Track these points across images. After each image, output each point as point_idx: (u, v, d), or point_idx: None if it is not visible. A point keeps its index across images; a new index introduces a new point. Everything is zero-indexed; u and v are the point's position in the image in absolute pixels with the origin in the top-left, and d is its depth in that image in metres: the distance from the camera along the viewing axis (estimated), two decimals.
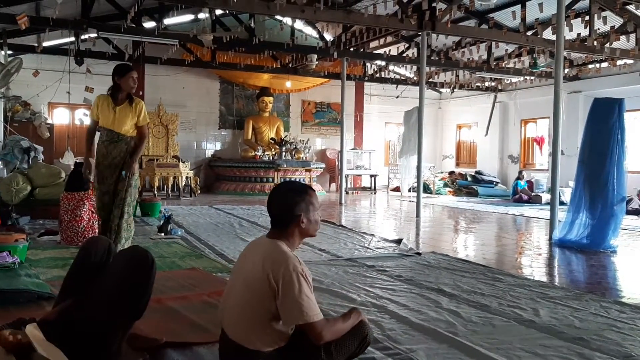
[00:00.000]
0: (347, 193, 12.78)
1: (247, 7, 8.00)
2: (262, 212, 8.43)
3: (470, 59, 11.55)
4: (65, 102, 12.19)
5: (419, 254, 5.32)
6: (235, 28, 11.12)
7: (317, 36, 12.42)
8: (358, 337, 2.19)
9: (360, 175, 15.49)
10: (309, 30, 12.93)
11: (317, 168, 13.52)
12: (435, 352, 2.61)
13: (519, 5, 9.24)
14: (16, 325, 2.33)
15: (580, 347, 2.74)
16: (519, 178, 13.00)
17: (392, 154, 16.09)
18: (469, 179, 14.64)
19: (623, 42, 10.27)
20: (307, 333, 2.03)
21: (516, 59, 11.90)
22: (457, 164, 16.94)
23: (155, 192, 10.85)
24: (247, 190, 12.69)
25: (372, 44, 11.75)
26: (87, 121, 5.01)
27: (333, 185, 15.01)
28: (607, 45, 9.60)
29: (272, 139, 13.78)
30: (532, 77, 12.79)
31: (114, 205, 4.58)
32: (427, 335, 2.86)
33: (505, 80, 14.48)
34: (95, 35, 9.55)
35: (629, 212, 8.58)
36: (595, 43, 9.31)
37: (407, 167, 12.92)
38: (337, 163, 14.11)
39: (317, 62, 12.79)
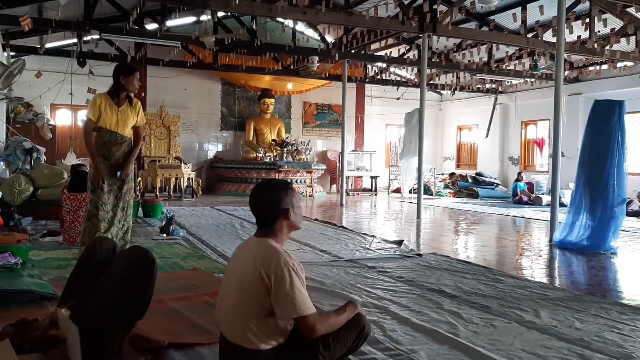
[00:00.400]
0: (347, 194, 12.80)
1: (249, 9, 8.03)
2: None
3: (471, 61, 11.57)
4: (67, 103, 12.19)
5: (420, 255, 5.33)
6: (237, 30, 11.16)
7: (319, 38, 12.45)
8: (355, 329, 2.22)
9: (361, 177, 15.50)
10: (310, 32, 12.96)
11: (318, 169, 13.53)
12: (437, 353, 2.62)
13: (520, 8, 9.26)
14: (19, 326, 2.35)
15: (581, 348, 2.75)
16: (518, 179, 13.01)
17: (392, 155, 16.10)
18: (470, 180, 14.65)
19: (623, 45, 10.29)
20: (301, 327, 2.05)
21: (517, 61, 11.93)
22: (458, 166, 16.95)
23: (157, 193, 10.86)
24: (249, 191, 12.39)
25: (373, 46, 11.76)
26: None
27: (334, 187, 15.03)
28: (608, 47, 9.61)
29: (273, 140, 13.81)
30: (533, 79, 12.80)
31: (118, 208, 4.55)
32: (429, 336, 2.87)
33: (506, 82, 14.50)
34: (97, 36, 9.58)
35: (629, 214, 8.58)
36: (595, 45, 9.33)
37: (407, 169, 12.94)
38: (338, 164, 14.13)
39: (318, 64, 12.82)
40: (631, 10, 8.86)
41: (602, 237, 5.85)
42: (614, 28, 9.28)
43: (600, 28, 9.31)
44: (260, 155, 13.29)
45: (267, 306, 2.04)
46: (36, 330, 2.23)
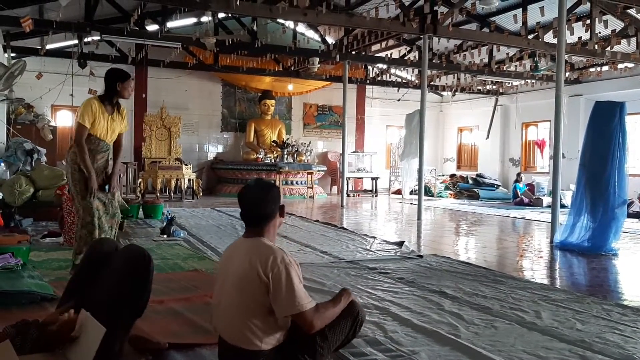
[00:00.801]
0: (348, 196, 12.79)
1: (250, 11, 8.03)
2: None
3: (472, 62, 11.57)
4: (68, 104, 12.21)
5: (421, 256, 5.33)
6: (237, 31, 11.17)
7: (319, 39, 12.46)
8: (350, 317, 2.25)
9: (361, 178, 15.50)
10: (311, 34, 12.97)
11: (318, 171, 13.53)
12: (438, 354, 2.62)
13: (520, 9, 9.27)
14: (19, 327, 2.34)
15: (582, 349, 2.75)
16: (517, 180, 13.01)
17: (393, 156, 16.10)
18: (470, 181, 14.64)
19: (624, 46, 10.30)
20: (299, 323, 2.07)
21: (517, 63, 11.93)
22: (459, 167, 16.95)
23: (158, 194, 10.86)
24: None
25: (374, 47, 11.77)
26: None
27: (334, 188, 15.03)
28: (608, 48, 9.62)
29: (273, 141, 13.81)
30: (533, 81, 12.80)
31: (108, 215, 4.27)
32: (430, 337, 2.87)
33: (507, 84, 14.51)
34: (98, 38, 9.59)
35: (630, 215, 8.57)
36: (596, 47, 9.33)
37: (408, 170, 12.95)
38: (338, 166, 14.13)
39: (319, 65, 12.82)
40: (632, 11, 8.86)
41: (603, 239, 5.85)
42: (615, 29, 9.28)
43: (601, 29, 9.31)
44: (261, 156, 13.30)
45: (267, 305, 2.05)
46: (48, 326, 2.22)
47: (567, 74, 12.15)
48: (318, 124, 15.53)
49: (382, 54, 11.99)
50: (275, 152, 13.55)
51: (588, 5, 8.51)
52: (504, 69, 12.34)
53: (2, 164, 8.51)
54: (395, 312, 3.31)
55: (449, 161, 17.35)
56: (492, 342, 2.81)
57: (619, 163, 5.84)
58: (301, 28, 12.50)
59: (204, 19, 11.28)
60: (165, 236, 6.16)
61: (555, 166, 6.68)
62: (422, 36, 8.79)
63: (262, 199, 2.19)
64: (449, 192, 14.56)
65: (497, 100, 15.47)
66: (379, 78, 14.41)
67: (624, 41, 9.85)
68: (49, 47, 10.38)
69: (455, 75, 13.73)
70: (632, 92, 11.42)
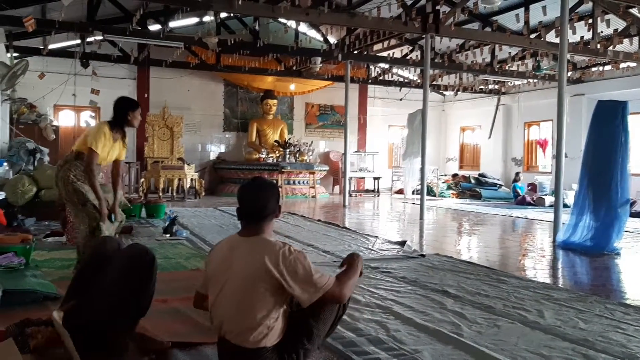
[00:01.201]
0: (350, 195, 12.78)
1: (252, 10, 8.04)
2: None
3: (474, 62, 11.56)
4: (70, 104, 12.28)
5: (423, 255, 5.33)
6: (239, 31, 11.19)
7: (321, 39, 12.46)
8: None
9: (363, 178, 15.50)
10: (313, 33, 12.97)
11: (320, 170, 13.53)
12: (440, 353, 2.62)
13: (523, 8, 9.25)
14: (22, 326, 2.36)
15: (585, 348, 2.75)
16: (515, 180, 12.97)
17: (395, 156, 16.08)
18: (473, 181, 14.62)
19: (626, 45, 10.27)
20: (329, 300, 2.12)
21: (519, 62, 11.90)
22: (461, 167, 16.93)
23: (160, 194, 10.87)
24: None
25: (376, 47, 11.76)
26: (92, 143, 3.84)
27: (336, 188, 15.03)
28: (611, 48, 9.59)
29: (276, 141, 13.82)
30: (536, 80, 12.78)
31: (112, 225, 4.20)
32: (432, 336, 2.87)
33: (509, 83, 14.48)
34: (100, 37, 9.60)
35: (632, 215, 8.54)
36: (598, 46, 9.31)
37: (410, 170, 12.91)
38: (340, 165, 14.11)
39: (320, 65, 12.82)
40: (634, 11, 8.83)
41: (606, 238, 5.84)
42: (617, 29, 9.26)
43: (603, 29, 9.29)
44: (263, 156, 13.31)
45: (279, 302, 2.07)
46: (37, 334, 2.24)
47: (570, 73, 12.13)
48: (320, 124, 15.53)
49: (384, 54, 11.98)
50: (277, 152, 13.55)
51: (590, 4, 8.49)
52: (506, 68, 12.32)
53: (5, 164, 8.53)
54: (397, 311, 3.31)
55: (451, 161, 17.34)
56: (494, 341, 2.81)
57: (622, 162, 5.84)
58: (303, 28, 12.50)
59: (206, 18, 11.29)
60: (167, 235, 6.17)
61: (557, 166, 6.68)
62: (424, 36, 8.78)
63: (265, 196, 2.20)
64: (452, 191, 14.55)
65: (499, 99, 15.46)
66: (381, 78, 14.41)
67: (626, 40, 9.83)
68: (51, 47, 10.41)
69: (458, 74, 13.71)
70: (635, 91, 11.39)
